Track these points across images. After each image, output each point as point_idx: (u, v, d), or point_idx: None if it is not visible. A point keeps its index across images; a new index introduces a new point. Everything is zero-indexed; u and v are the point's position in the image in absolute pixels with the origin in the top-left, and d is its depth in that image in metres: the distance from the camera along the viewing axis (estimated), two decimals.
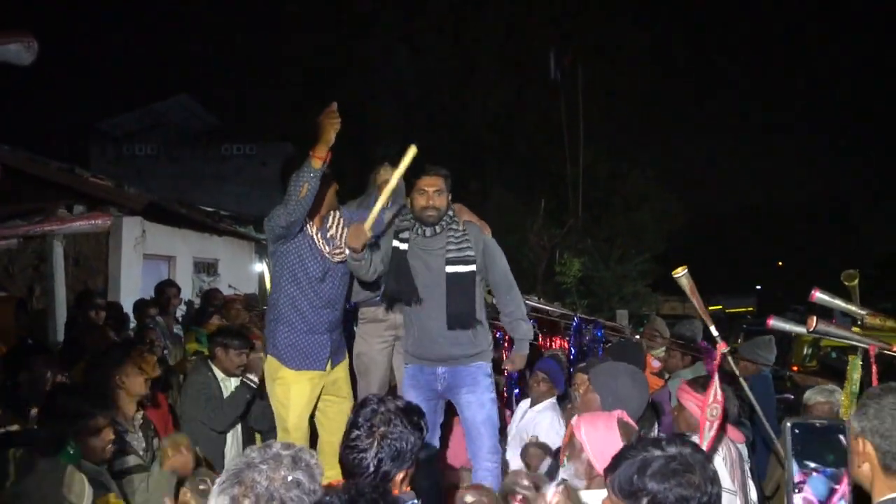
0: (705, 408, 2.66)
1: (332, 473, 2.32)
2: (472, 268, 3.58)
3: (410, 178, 3.72)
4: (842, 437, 1.87)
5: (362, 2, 24.76)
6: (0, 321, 4.66)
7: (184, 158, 20.63)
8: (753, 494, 3.01)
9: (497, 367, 4.29)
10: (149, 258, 9.34)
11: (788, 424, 1.87)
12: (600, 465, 2.38)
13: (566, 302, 15.03)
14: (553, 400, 4.05)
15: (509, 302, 3.75)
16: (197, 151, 20.89)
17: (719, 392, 2.67)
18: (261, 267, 11.70)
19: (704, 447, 2.59)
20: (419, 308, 3.61)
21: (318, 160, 3.33)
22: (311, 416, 3.75)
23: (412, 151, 3.46)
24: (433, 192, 3.58)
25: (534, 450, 3.50)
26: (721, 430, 2.94)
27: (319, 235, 3.65)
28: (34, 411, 3.26)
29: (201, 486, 2.63)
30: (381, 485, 1.89)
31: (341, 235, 3.70)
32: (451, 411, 3.84)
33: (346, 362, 3.90)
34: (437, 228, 3.61)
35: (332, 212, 3.73)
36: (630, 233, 21.91)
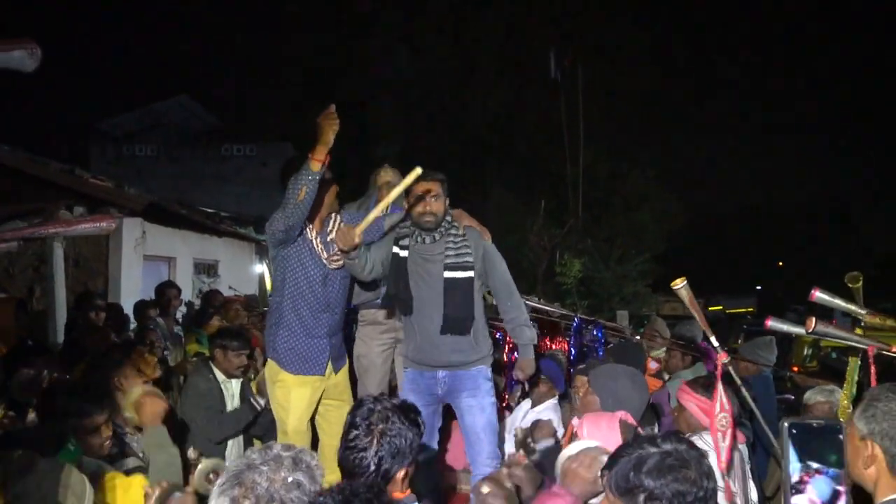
0: (713, 418, 2.65)
1: (332, 477, 2.32)
2: (471, 274, 3.57)
3: None
4: (840, 437, 1.87)
5: (362, 2, 24.76)
6: (0, 322, 4.66)
7: (184, 159, 20.65)
8: (754, 495, 3.01)
9: (497, 368, 4.29)
10: (149, 259, 9.34)
11: (786, 424, 1.87)
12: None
13: (566, 302, 15.03)
14: (555, 401, 4.04)
15: (511, 308, 3.74)
16: (197, 152, 20.90)
17: (725, 401, 2.67)
18: (261, 268, 11.70)
19: (724, 458, 2.60)
20: (419, 314, 3.60)
21: (317, 163, 3.30)
22: (312, 420, 3.74)
23: (416, 173, 3.40)
24: (430, 197, 3.56)
25: (543, 424, 3.51)
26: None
27: (319, 240, 3.63)
28: (32, 416, 3.27)
29: (210, 476, 2.65)
30: (376, 484, 1.89)
31: None
32: (450, 415, 3.84)
33: (347, 367, 3.89)
34: (437, 235, 3.60)
35: (332, 214, 3.72)
36: (630, 233, 21.90)
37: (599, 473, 2.10)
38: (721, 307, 24.50)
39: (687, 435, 2.92)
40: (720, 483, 2.67)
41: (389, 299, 3.76)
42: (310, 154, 3.32)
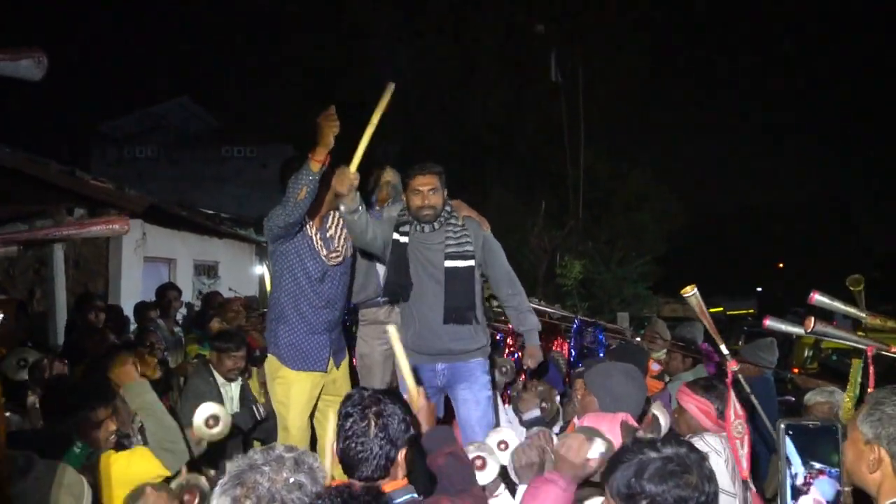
0: (730, 426, 2.65)
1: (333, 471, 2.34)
2: (471, 263, 3.59)
3: (404, 177, 3.71)
4: (837, 437, 1.86)
5: (363, 1, 24.76)
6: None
7: (184, 160, 20.65)
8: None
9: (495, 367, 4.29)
10: (149, 261, 9.35)
11: (782, 425, 1.87)
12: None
13: (567, 304, 15.01)
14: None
15: (513, 296, 3.75)
16: (197, 153, 20.90)
17: (738, 407, 2.66)
18: (261, 269, 11.71)
19: (745, 466, 2.61)
20: (420, 302, 3.62)
21: (317, 163, 3.32)
22: (312, 417, 3.75)
23: (390, 89, 3.35)
24: (428, 191, 3.57)
25: (527, 395, 3.52)
26: (723, 431, 2.95)
27: (318, 236, 3.65)
28: (32, 399, 3.27)
29: (210, 421, 2.71)
30: (374, 487, 1.91)
31: (340, 236, 3.70)
32: (449, 414, 3.85)
33: (346, 362, 3.90)
34: (436, 225, 3.61)
35: (331, 212, 3.73)
36: (630, 233, 21.89)
37: (588, 457, 2.20)
38: (721, 308, 24.44)
39: (687, 436, 2.93)
40: (752, 487, 2.68)
41: (390, 286, 3.75)
42: (310, 155, 3.33)
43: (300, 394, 3.64)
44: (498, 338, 5.03)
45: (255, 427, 4.04)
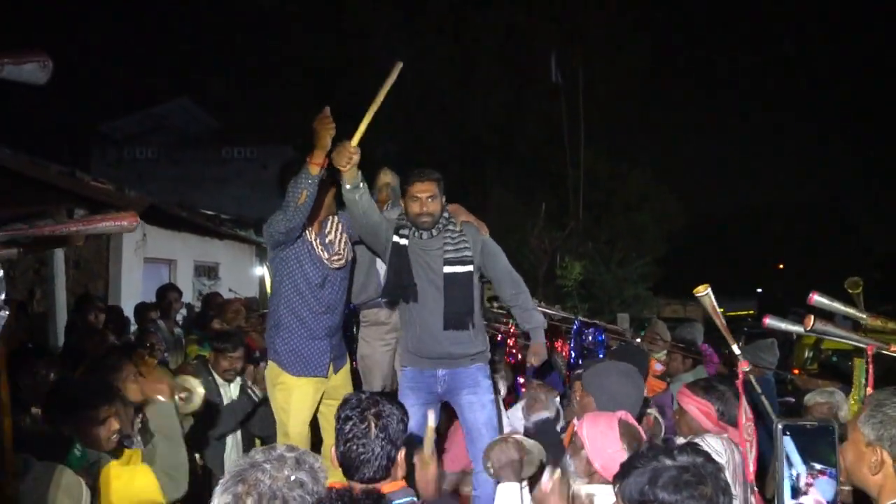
0: (741, 429, 2.65)
1: (334, 479, 2.33)
2: (470, 268, 3.59)
3: (402, 184, 3.70)
4: (834, 437, 1.86)
5: (363, 1, 24.76)
6: None
7: (184, 161, 20.64)
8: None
9: (495, 370, 4.29)
10: (149, 262, 9.36)
11: (779, 426, 1.87)
12: (598, 462, 2.41)
13: (567, 305, 15.03)
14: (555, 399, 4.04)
15: (517, 295, 3.75)
16: (197, 154, 20.89)
17: (749, 410, 2.66)
18: (261, 270, 11.71)
19: (752, 469, 2.61)
20: (420, 306, 3.61)
21: (316, 166, 3.31)
22: (313, 421, 3.74)
23: (398, 67, 3.38)
24: (426, 197, 3.55)
25: (534, 392, 3.53)
26: (724, 433, 2.95)
27: (318, 241, 3.64)
28: (35, 410, 3.27)
29: (182, 395, 2.71)
30: (373, 491, 1.92)
31: (339, 240, 3.70)
32: (449, 416, 3.84)
33: (347, 367, 3.90)
34: (434, 231, 3.61)
35: (330, 216, 3.73)
36: (630, 233, 21.91)
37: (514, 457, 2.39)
38: (721, 309, 24.37)
39: (688, 438, 2.93)
40: (755, 489, 2.68)
41: (391, 289, 3.74)
42: (308, 158, 3.32)
43: (301, 399, 3.64)
44: (499, 339, 5.04)
45: (254, 411, 4.03)
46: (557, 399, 4.06)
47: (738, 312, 25.93)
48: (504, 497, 2.45)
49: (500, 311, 5.49)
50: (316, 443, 3.79)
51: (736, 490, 2.75)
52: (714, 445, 2.79)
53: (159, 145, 21.07)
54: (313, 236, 3.64)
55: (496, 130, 25.12)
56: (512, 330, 5.28)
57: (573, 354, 5.04)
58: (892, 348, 2.90)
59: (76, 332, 5.44)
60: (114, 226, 2.21)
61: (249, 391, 4.04)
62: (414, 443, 2.40)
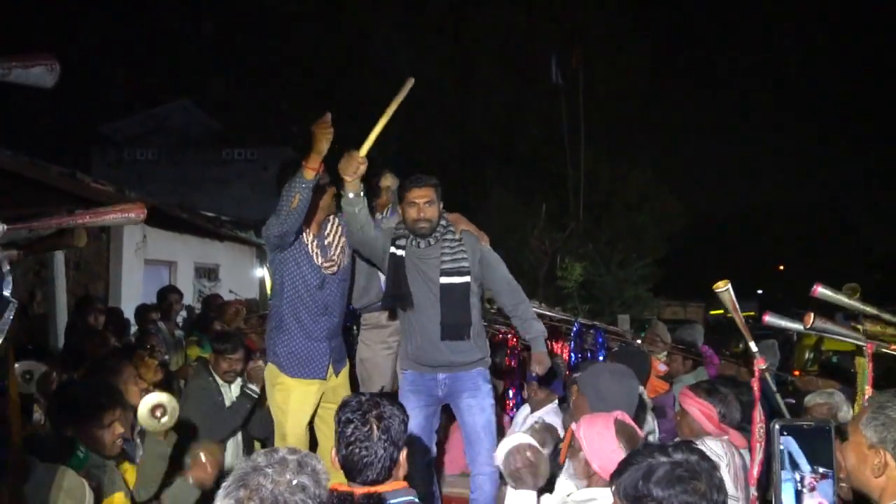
0: (755, 428, 2.65)
1: (334, 481, 2.33)
2: (467, 279, 3.57)
3: (400, 189, 3.70)
4: (831, 437, 1.86)
5: (363, 1, 24.77)
6: None
7: (185, 163, 20.63)
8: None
9: (496, 372, 4.29)
10: (150, 263, 9.36)
11: (776, 426, 1.87)
12: (596, 463, 2.41)
13: (567, 306, 15.02)
14: (555, 404, 4.05)
15: (517, 305, 3.74)
16: (198, 156, 20.88)
17: (761, 412, 2.66)
18: (262, 272, 11.71)
19: (756, 472, 2.61)
20: (419, 315, 3.61)
21: (311, 171, 3.30)
22: (311, 424, 3.74)
23: (410, 83, 3.41)
24: (424, 203, 3.54)
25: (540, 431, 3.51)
26: (725, 435, 2.95)
27: (315, 244, 3.63)
28: (37, 416, 3.27)
29: (157, 412, 2.73)
30: (374, 494, 1.92)
31: (337, 244, 3.69)
32: (448, 419, 3.84)
33: (346, 370, 3.89)
34: (432, 240, 3.59)
35: (330, 217, 3.72)
36: (631, 234, 21.91)
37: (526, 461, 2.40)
38: (722, 311, 24.43)
39: (688, 439, 2.93)
40: (753, 492, 2.69)
41: (389, 299, 3.75)
42: (304, 162, 3.31)
43: (299, 401, 3.64)
44: (500, 337, 5.03)
45: (254, 409, 4.03)
46: (556, 402, 4.06)
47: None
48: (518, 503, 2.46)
49: (498, 314, 5.48)
50: (312, 445, 3.78)
51: (737, 493, 2.76)
52: (714, 448, 2.79)
53: (160, 146, 21.06)
54: (311, 238, 3.63)
55: (496, 130, 25.12)
56: (512, 328, 5.27)
57: (573, 357, 5.05)
58: (893, 347, 2.90)
59: (76, 334, 5.44)
60: (121, 217, 2.20)
61: (247, 389, 4.04)
62: (414, 444, 2.42)
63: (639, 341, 5.70)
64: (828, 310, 3.11)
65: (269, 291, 4.56)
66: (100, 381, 3.33)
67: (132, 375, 3.43)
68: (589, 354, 5.21)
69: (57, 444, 2.62)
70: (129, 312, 6.64)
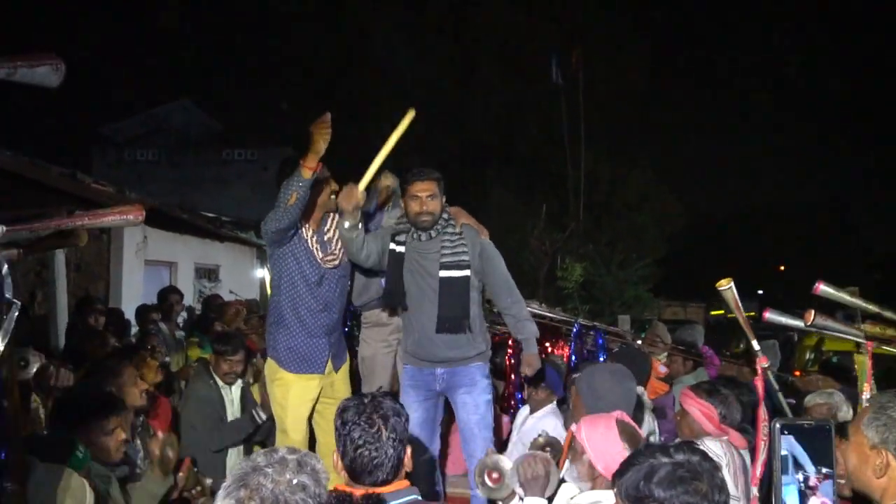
0: (760, 427, 2.65)
1: (332, 476, 2.33)
2: (467, 273, 3.58)
3: (402, 183, 3.71)
4: (831, 436, 1.86)
5: (363, 1, 24.80)
6: None
7: (185, 163, 20.67)
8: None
9: (496, 372, 4.29)
10: (150, 264, 9.36)
11: (777, 425, 1.87)
12: (601, 465, 2.40)
13: (568, 307, 15.00)
14: (553, 405, 4.05)
15: (512, 304, 3.74)
16: (198, 156, 20.92)
17: (765, 411, 2.66)
18: (262, 272, 11.71)
19: (759, 472, 2.61)
20: (418, 311, 3.62)
21: (308, 170, 3.31)
22: (310, 419, 3.74)
23: (410, 115, 3.43)
24: (426, 196, 3.56)
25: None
26: (725, 436, 2.95)
27: (315, 239, 3.64)
28: (35, 405, 3.27)
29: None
30: (373, 495, 1.92)
31: (337, 239, 3.70)
32: (449, 420, 3.85)
33: (346, 365, 3.90)
34: (433, 233, 3.60)
35: (329, 214, 3.73)
36: (631, 234, 21.90)
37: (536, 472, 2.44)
38: (722, 311, 24.42)
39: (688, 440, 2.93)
40: (754, 492, 2.69)
41: (386, 296, 3.76)
42: (301, 161, 3.32)
43: (298, 396, 3.65)
44: (500, 338, 5.03)
45: (255, 431, 4.04)
46: (554, 402, 4.05)
47: None
48: None
49: (499, 314, 5.47)
50: (311, 441, 3.78)
51: (738, 492, 2.76)
52: (713, 449, 2.79)
53: (160, 147, 21.11)
54: (310, 234, 3.64)
55: (496, 130, 25.13)
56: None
57: (573, 358, 5.04)
58: (894, 345, 2.90)
59: (77, 335, 5.44)
60: (120, 219, 2.20)
61: (254, 412, 4.04)
62: (416, 441, 2.42)
63: (639, 342, 5.69)
64: (828, 309, 3.11)
65: (269, 290, 4.57)
66: (99, 384, 3.33)
67: (133, 376, 3.42)
68: (589, 355, 5.21)
69: (57, 443, 2.62)
70: (129, 313, 6.64)
